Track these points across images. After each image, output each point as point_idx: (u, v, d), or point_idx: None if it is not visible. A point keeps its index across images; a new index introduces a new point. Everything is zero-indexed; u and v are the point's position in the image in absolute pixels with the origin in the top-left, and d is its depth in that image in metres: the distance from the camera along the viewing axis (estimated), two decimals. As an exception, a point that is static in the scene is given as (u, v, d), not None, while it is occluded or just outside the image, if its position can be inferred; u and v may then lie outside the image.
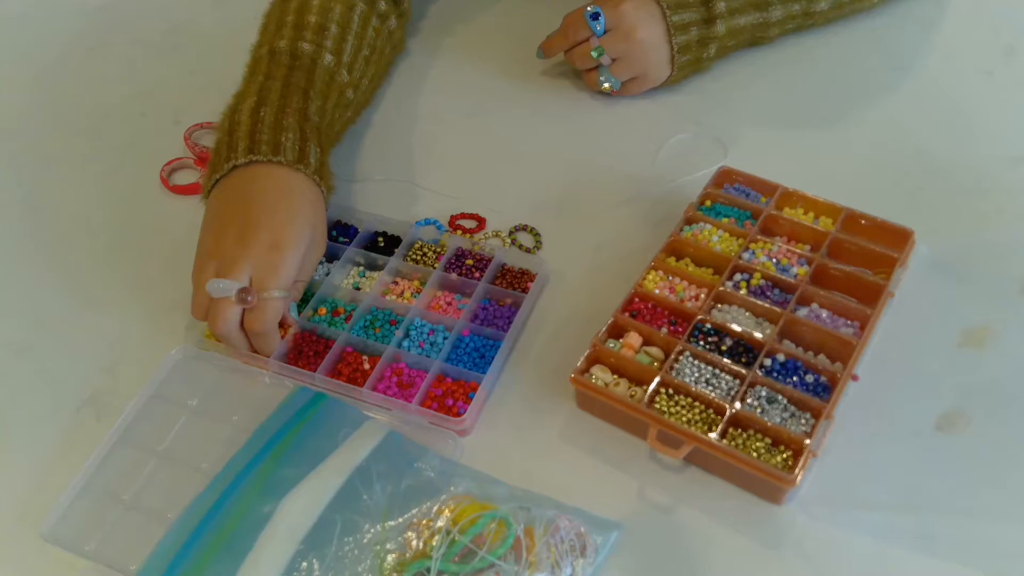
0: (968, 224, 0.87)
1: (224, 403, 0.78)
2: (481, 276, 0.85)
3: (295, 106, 0.85)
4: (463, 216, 0.92)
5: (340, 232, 0.90)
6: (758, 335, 0.76)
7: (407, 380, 0.78)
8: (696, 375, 0.74)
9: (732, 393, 0.73)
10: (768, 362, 0.75)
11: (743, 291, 0.79)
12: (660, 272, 0.82)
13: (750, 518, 0.70)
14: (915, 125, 0.97)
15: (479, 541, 0.65)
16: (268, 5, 0.97)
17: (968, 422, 0.74)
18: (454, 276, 0.85)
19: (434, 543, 0.65)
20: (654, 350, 0.77)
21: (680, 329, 0.78)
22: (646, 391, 0.73)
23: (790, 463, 0.69)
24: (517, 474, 0.72)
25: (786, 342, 0.77)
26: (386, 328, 0.82)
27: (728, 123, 0.98)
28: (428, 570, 0.64)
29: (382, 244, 0.89)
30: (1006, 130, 0.96)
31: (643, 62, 0.97)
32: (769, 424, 0.70)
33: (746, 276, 0.80)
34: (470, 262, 0.86)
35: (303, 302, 0.84)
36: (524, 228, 0.91)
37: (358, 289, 0.85)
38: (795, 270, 0.80)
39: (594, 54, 0.97)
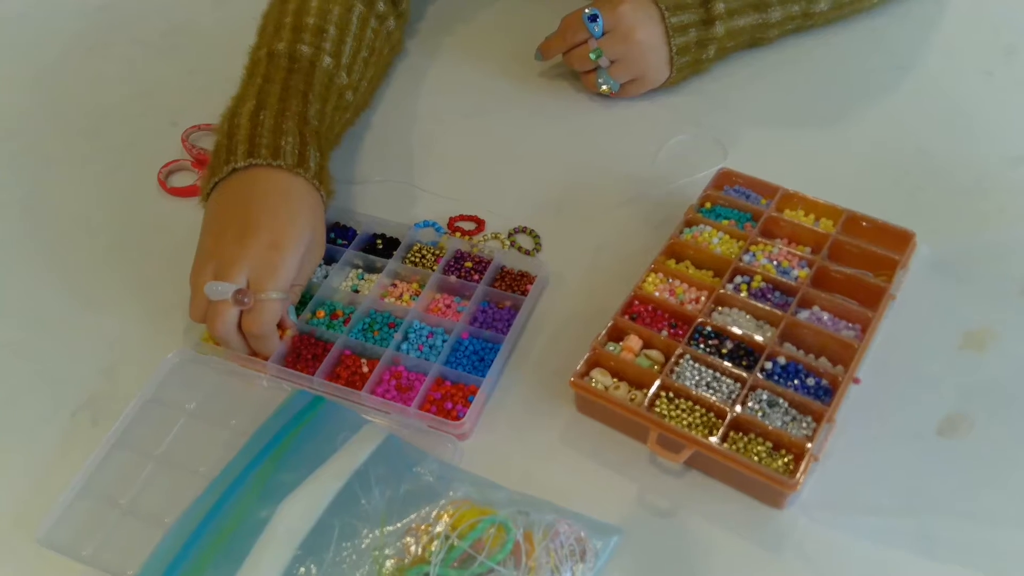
0: (969, 225, 0.87)
1: (222, 406, 0.77)
2: (480, 278, 0.84)
3: (294, 110, 0.85)
4: (462, 218, 0.92)
5: (338, 234, 0.90)
6: (759, 338, 0.75)
7: (406, 383, 0.78)
8: (697, 378, 0.74)
9: (733, 396, 0.73)
10: (769, 365, 0.74)
11: (744, 294, 0.79)
12: (660, 274, 0.82)
13: (751, 522, 0.70)
14: (915, 125, 0.96)
15: (478, 546, 0.64)
16: (266, 6, 0.97)
17: (970, 425, 0.73)
18: (453, 278, 0.84)
19: (433, 548, 0.65)
20: (654, 353, 0.76)
21: (680, 332, 0.78)
22: (646, 394, 0.73)
23: (791, 467, 0.69)
24: (516, 478, 0.72)
25: (787, 345, 0.76)
26: (385, 331, 0.81)
27: (728, 124, 0.98)
28: (427, 575, 0.63)
29: (381, 246, 0.88)
30: (1006, 130, 0.95)
31: (642, 64, 0.97)
32: (770, 428, 0.70)
33: (747, 279, 0.80)
34: (469, 264, 0.86)
35: (301, 304, 0.84)
36: (523, 230, 0.91)
37: (357, 292, 0.85)
38: (796, 272, 0.80)
39: (592, 56, 0.96)
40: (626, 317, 0.78)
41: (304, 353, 0.80)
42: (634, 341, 0.76)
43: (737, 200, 0.86)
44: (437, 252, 0.87)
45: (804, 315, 0.77)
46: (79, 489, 0.73)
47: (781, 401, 0.72)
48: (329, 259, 0.88)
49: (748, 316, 0.78)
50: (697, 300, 0.79)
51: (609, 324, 0.77)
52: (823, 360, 0.75)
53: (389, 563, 0.66)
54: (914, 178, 0.91)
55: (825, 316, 0.77)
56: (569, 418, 0.77)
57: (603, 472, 0.73)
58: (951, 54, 1.04)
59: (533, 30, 1.03)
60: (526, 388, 0.79)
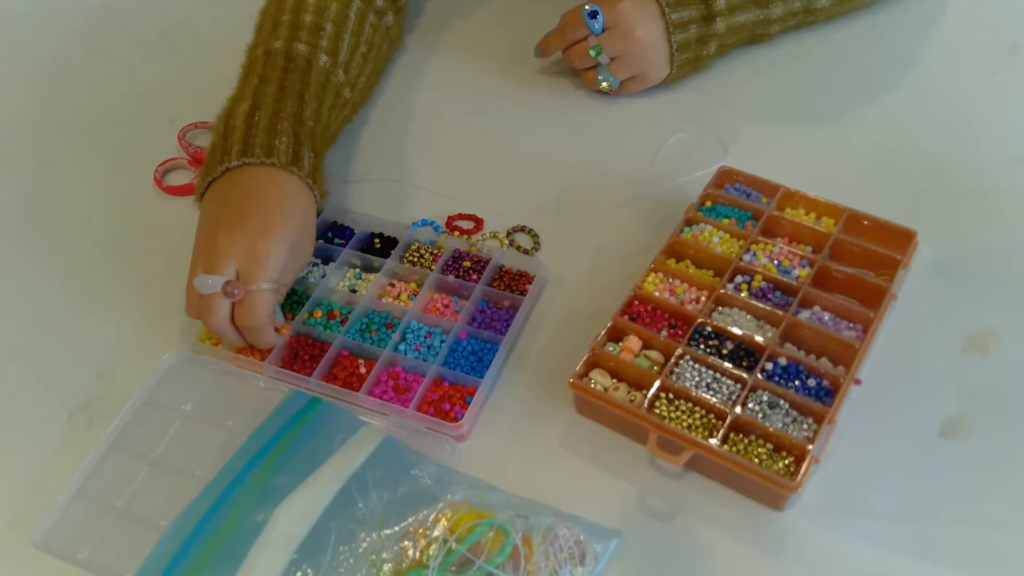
0: (971, 225, 0.86)
1: (218, 408, 0.77)
2: (479, 278, 0.84)
3: (290, 111, 0.84)
4: (460, 217, 0.91)
5: (336, 233, 0.89)
6: (759, 338, 0.75)
7: (404, 384, 0.77)
8: (696, 379, 0.73)
9: (733, 398, 0.72)
10: (770, 366, 0.74)
11: (744, 293, 0.79)
12: (660, 274, 0.81)
13: (751, 525, 0.69)
14: (916, 124, 0.96)
15: (477, 550, 0.64)
16: (264, 2, 0.96)
17: (972, 427, 0.73)
18: (451, 278, 0.84)
19: (431, 552, 0.64)
20: (654, 354, 0.76)
21: (680, 332, 0.77)
22: (646, 396, 0.72)
23: (792, 469, 0.68)
24: (515, 480, 0.71)
25: (788, 345, 0.76)
26: (382, 331, 0.81)
27: (728, 122, 0.97)
28: (425, 579, 0.63)
29: (378, 246, 0.88)
30: (1009, 130, 0.94)
31: (642, 61, 0.96)
32: (771, 429, 0.70)
33: (747, 278, 0.79)
34: (467, 264, 0.85)
35: (298, 305, 0.83)
36: (522, 229, 0.90)
37: (354, 292, 0.84)
38: (797, 272, 0.79)
39: (592, 53, 0.95)
40: (625, 317, 0.78)
41: (301, 354, 0.80)
42: (634, 342, 0.76)
43: (738, 199, 0.85)
44: (435, 251, 0.86)
45: (805, 315, 0.77)
46: (75, 492, 0.72)
47: (782, 402, 0.72)
48: (326, 259, 0.87)
49: (748, 316, 0.78)
50: (697, 300, 0.79)
51: (608, 324, 0.77)
52: (824, 361, 0.75)
53: (387, 567, 0.65)
54: (915, 178, 0.91)
55: (826, 316, 0.77)
56: (568, 419, 0.76)
57: (602, 474, 0.73)
58: (953, 52, 1.03)
59: (532, 27, 1.02)
60: (525, 389, 0.78)
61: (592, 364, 0.76)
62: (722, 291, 0.78)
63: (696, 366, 0.74)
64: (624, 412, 0.72)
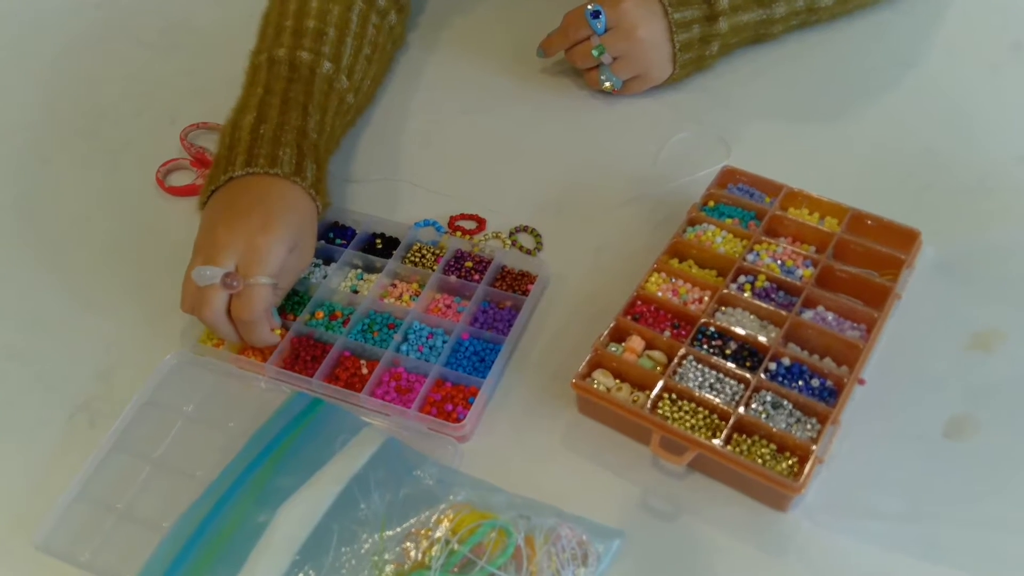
0: (974, 224, 0.86)
1: (220, 409, 0.77)
2: (480, 278, 0.84)
3: (294, 123, 0.85)
4: (463, 217, 0.91)
5: (337, 234, 0.89)
6: (763, 338, 0.75)
7: (406, 385, 0.77)
8: (700, 379, 0.73)
9: (736, 398, 0.72)
10: (773, 366, 0.73)
11: (747, 293, 0.78)
12: (663, 274, 0.81)
13: (754, 525, 0.69)
14: (920, 123, 0.95)
15: (479, 551, 0.64)
16: (266, 5, 0.96)
17: (977, 427, 0.72)
18: (453, 278, 0.84)
19: (433, 553, 0.64)
20: (657, 354, 0.75)
21: (683, 332, 0.77)
22: (649, 396, 0.72)
23: (796, 470, 0.68)
24: (517, 480, 0.71)
25: (791, 345, 0.75)
26: (384, 332, 0.81)
27: (731, 121, 0.97)
28: (427, 581, 0.63)
29: (380, 246, 0.88)
30: (1013, 128, 0.94)
31: (644, 61, 0.96)
32: (774, 430, 0.69)
33: (750, 278, 0.79)
34: (469, 264, 0.85)
35: (300, 306, 0.83)
36: (525, 229, 0.90)
37: (356, 292, 0.84)
38: (800, 272, 0.79)
39: (595, 53, 0.95)
40: (628, 317, 0.78)
41: (303, 354, 0.80)
42: (636, 342, 0.76)
43: (741, 198, 0.85)
44: (437, 252, 0.86)
45: (808, 315, 0.77)
46: (76, 494, 0.72)
47: (785, 403, 0.72)
48: (328, 259, 0.87)
49: (752, 316, 0.77)
50: (700, 300, 0.79)
51: (611, 324, 0.76)
52: (828, 361, 0.74)
53: (389, 568, 0.65)
54: (919, 177, 0.90)
55: (830, 316, 0.77)
56: (571, 420, 0.76)
57: (605, 475, 0.73)
58: (957, 50, 1.03)
59: (534, 26, 1.02)
60: (527, 389, 0.78)
61: (595, 364, 0.75)
62: (725, 291, 0.78)
63: (699, 366, 0.74)
64: (627, 412, 0.72)
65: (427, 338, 0.80)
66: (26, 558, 0.70)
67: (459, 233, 0.90)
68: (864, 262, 0.80)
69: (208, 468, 0.72)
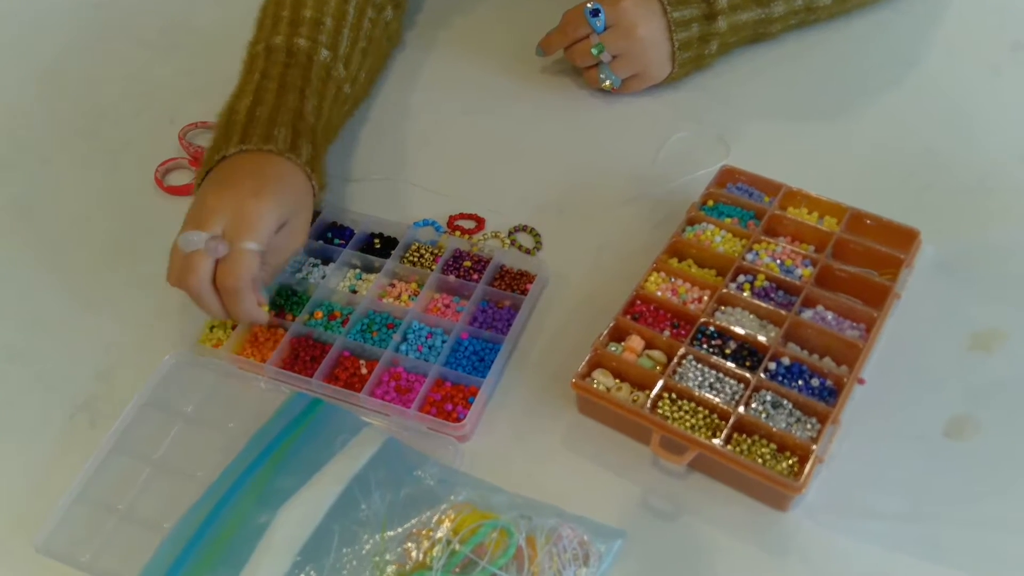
0: (974, 223, 0.86)
1: (220, 409, 0.77)
2: (479, 278, 0.83)
3: (290, 106, 0.84)
4: (462, 216, 0.91)
5: (335, 234, 0.89)
6: (762, 338, 0.75)
7: (405, 385, 0.77)
8: (700, 379, 0.73)
9: (736, 397, 0.72)
10: (773, 366, 0.73)
11: (747, 293, 0.78)
12: (662, 274, 0.81)
13: (755, 525, 0.69)
14: (920, 122, 0.95)
15: (480, 551, 0.63)
16: None
17: (977, 427, 0.72)
18: (452, 278, 0.84)
19: (434, 553, 0.64)
20: (656, 354, 0.75)
21: (683, 332, 0.77)
22: (648, 396, 0.72)
23: (796, 469, 0.68)
24: (518, 480, 0.71)
25: (791, 345, 0.75)
26: (383, 332, 0.81)
27: (730, 121, 0.97)
28: (428, 581, 0.63)
29: (378, 246, 0.87)
30: (1013, 128, 0.94)
31: (643, 59, 0.96)
32: (774, 429, 0.69)
33: (750, 278, 0.79)
34: (468, 264, 0.85)
35: (298, 306, 0.83)
36: (524, 229, 0.90)
37: (355, 292, 0.84)
38: (800, 271, 0.79)
39: (594, 51, 0.95)
40: (628, 317, 0.78)
41: (302, 355, 0.79)
42: (636, 341, 0.76)
43: (740, 198, 0.85)
44: (436, 251, 0.86)
45: (808, 314, 0.77)
46: (77, 495, 0.72)
47: (785, 402, 0.72)
48: (326, 259, 0.87)
49: (751, 315, 0.77)
50: (700, 300, 0.79)
51: (611, 324, 0.76)
52: (827, 360, 0.74)
53: (390, 569, 0.65)
54: (919, 177, 0.90)
55: (829, 315, 0.77)
56: (571, 420, 0.76)
57: (605, 474, 0.73)
58: (956, 50, 1.03)
59: (533, 25, 1.02)
60: (527, 389, 0.78)
61: (594, 364, 0.75)
62: (725, 291, 0.78)
63: (699, 366, 0.74)
64: (627, 412, 0.72)
65: (426, 338, 0.80)
66: (26, 559, 0.70)
67: (458, 233, 0.90)
68: (863, 261, 0.80)
69: (208, 469, 0.72)
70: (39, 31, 1.18)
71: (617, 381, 0.75)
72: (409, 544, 0.66)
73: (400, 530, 0.67)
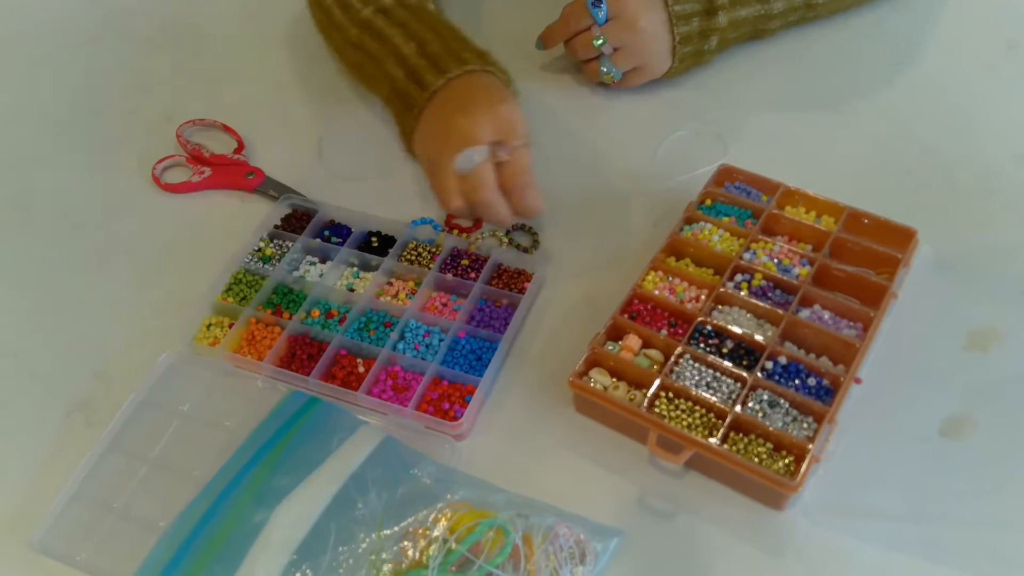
0: (972, 223, 0.86)
1: (216, 408, 0.77)
2: (477, 276, 0.83)
3: (451, 35, 0.89)
4: (459, 215, 0.91)
5: (333, 232, 0.89)
6: (759, 337, 0.75)
7: (402, 383, 0.77)
8: (696, 378, 0.73)
9: (733, 397, 0.72)
10: (770, 365, 0.73)
11: (744, 292, 0.78)
12: (660, 273, 0.81)
13: (752, 524, 0.69)
14: (917, 121, 0.95)
15: (477, 550, 0.63)
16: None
17: (974, 426, 0.72)
18: (449, 276, 0.84)
19: (431, 552, 0.64)
20: (654, 352, 0.75)
21: (680, 331, 0.77)
22: (645, 395, 0.72)
23: (792, 468, 0.68)
24: (515, 479, 0.71)
25: (788, 344, 0.75)
26: (381, 330, 0.80)
27: (729, 119, 0.97)
28: (424, 580, 0.63)
29: (376, 244, 0.87)
30: (1010, 127, 0.94)
31: (645, 52, 0.96)
32: (771, 428, 0.69)
33: (747, 277, 0.79)
34: (466, 262, 0.85)
35: (295, 304, 0.83)
36: (521, 227, 0.90)
37: (352, 291, 0.84)
38: (797, 270, 0.79)
39: (597, 43, 0.95)
40: (625, 316, 0.78)
41: (299, 353, 0.79)
42: (633, 340, 0.76)
43: (738, 197, 0.85)
44: (433, 250, 0.86)
45: (805, 314, 0.77)
46: (72, 494, 0.72)
47: (782, 401, 0.72)
48: (324, 257, 0.87)
49: (748, 315, 0.77)
50: (697, 299, 0.79)
51: (608, 323, 0.76)
52: (824, 360, 0.74)
53: (387, 567, 0.65)
54: (917, 175, 0.90)
55: (826, 315, 0.77)
56: (568, 418, 0.76)
57: (602, 473, 0.73)
58: (953, 49, 1.03)
59: (531, 25, 1.02)
60: (524, 388, 0.78)
61: (592, 363, 0.75)
62: (722, 290, 0.78)
63: (696, 365, 0.74)
64: (624, 411, 0.72)
65: (424, 336, 0.80)
66: (22, 558, 0.70)
67: (456, 231, 0.90)
68: (861, 261, 0.80)
69: (205, 467, 0.72)
70: (35, 29, 1.18)
71: (614, 380, 0.75)
72: (405, 543, 0.66)
73: (396, 529, 0.67)
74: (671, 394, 0.73)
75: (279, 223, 0.90)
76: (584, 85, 1.02)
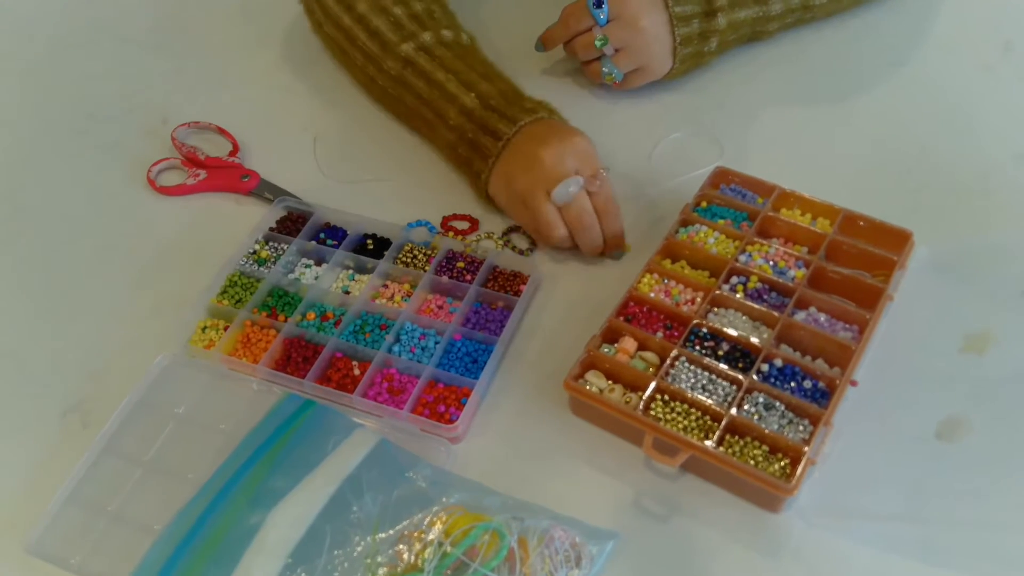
0: (968, 224, 0.86)
1: (212, 411, 0.77)
2: (472, 279, 0.83)
3: (502, 83, 0.92)
4: (455, 217, 0.91)
5: (328, 235, 0.89)
6: (755, 340, 0.75)
7: (398, 386, 0.77)
8: (692, 381, 0.73)
9: (729, 399, 0.72)
10: (765, 367, 0.73)
11: (740, 294, 0.78)
12: (655, 275, 0.81)
13: (748, 527, 0.69)
14: (914, 123, 0.95)
15: (472, 553, 0.63)
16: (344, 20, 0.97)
17: (970, 428, 0.72)
18: (445, 279, 0.83)
19: (426, 555, 0.64)
20: (649, 355, 0.75)
21: (676, 334, 0.77)
22: (641, 397, 0.72)
23: (788, 471, 0.68)
24: (510, 482, 0.71)
25: (784, 347, 0.75)
26: (376, 333, 0.80)
27: (724, 122, 0.97)
28: (420, 583, 0.63)
29: (371, 247, 0.87)
30: (1007, 127, 0.94)
31: (646, 52, 0.95)
32: (767, 431, 0.69)
33: (743, 279, 0.79)
34: (461, 264, 0.85)
35: (291, 307, 0.83)
36: (517, 229, 0.90)
37: (347, 293, 0.84)
38: (792, 273, 0.79)
39: (598, 43, 0.95)
40: (621, 319, 0.78)
41: (295, 356, 0.79)
42: (629, 343, 0.76)
43: (733, 199, 0.85)
44: (429, 252, 0.86)
45: (801, 316, 0.77)
46: (67, 497, 0.72)
47: (778, 404, 0.72)
48: (319, 260, 0.87)
49: (744, 317, 0.77)
50: (693, 301, 0.79)
51: (604, 326, 0.76)
52: (820, 362, 0.74)
53: (382, 571, 0.65)
54: (913, 177, 0.91)
55: (822, 317, 0.77)
56: (563, 421, 0.76)
57: (598, 476, 0.73)
58: (948, 50, 1.03)
59: (531, 26, 1.01)
60: (520, 390, 0.78)
61: (587, 365, 0.75)
62: (718, 292, 0.78)
63: (692, 368, 0.74)
64: (619, 414, 0.72)
65: (419, 339, 0.80)
66: (17, 561, 0.70)
67: (451, 233, 0.89)
68: (856, 263, 0.80)
69: (200, 470, 0.72)
70: (29, 30, 1.17)
71: (610, 383, 0.75)
72: (401, 546, 0.65)
73: (392, 532, 0.66)
74: (667, 397, 0.73)
75: (274, 225, 0.90)
76: (580, 88, 1.02)
